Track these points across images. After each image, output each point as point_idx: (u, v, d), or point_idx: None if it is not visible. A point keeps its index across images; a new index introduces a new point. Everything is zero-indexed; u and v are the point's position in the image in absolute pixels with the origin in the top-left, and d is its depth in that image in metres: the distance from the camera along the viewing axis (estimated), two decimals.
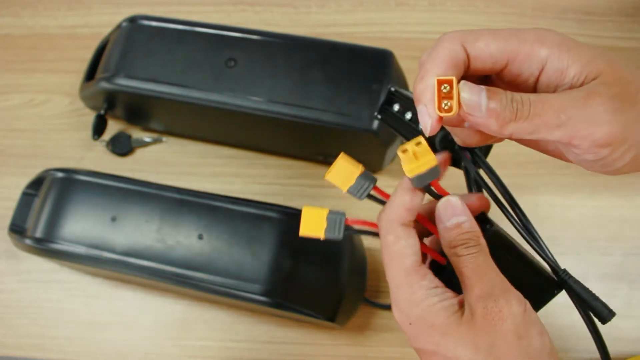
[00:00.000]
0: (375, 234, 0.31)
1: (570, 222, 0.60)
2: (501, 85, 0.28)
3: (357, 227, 0.32)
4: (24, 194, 0.54)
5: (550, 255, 0.33)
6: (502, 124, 0.25)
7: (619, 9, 0.71)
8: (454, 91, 0.26)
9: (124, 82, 0.57)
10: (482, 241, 0.30)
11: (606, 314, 0.33)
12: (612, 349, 0.56)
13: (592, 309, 0.33)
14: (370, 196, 0.32)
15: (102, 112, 0.62)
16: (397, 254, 0.29)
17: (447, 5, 0.72)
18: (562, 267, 0.33)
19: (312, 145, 0.60)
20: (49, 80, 0.69)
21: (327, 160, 0.62)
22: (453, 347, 0.28)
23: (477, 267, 0.29)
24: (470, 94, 0.25)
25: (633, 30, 0.70)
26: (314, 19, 0.72)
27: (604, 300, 0.57)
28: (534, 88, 0.28)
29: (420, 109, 0.27)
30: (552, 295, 0.36)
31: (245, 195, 0.53)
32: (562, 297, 0.59)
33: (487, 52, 0.27)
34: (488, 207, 0.33)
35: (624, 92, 0.25)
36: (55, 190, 0.52)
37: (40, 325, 0.58)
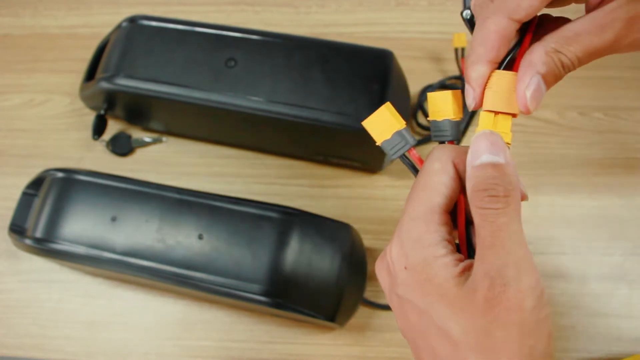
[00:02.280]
0: None
1: (570, 222, 0.60)
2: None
3: (412, 160, 0.29)
4: (24, 193, 0.54)
5: None
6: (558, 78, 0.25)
7: None
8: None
9: (124, 82, 0.57)
10: (516, 199, 0.24)
11: None
12: (612, 349, 0.56)
13: None
14: (404, 158, 0.29)
15: (102, 112, 0.62)
16: (432, 186, 0.26)
17: (447, 5, 0.72)
18: None
19: (312, 145, 0.60)
20: (49, 80, 0.69)
21: (327, 160, 0.62)
22: (445, 317, 0.24)
23: (498, 229, 0.23)
24: (527, 93, 0.25)
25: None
26: (314, 19, 0.72)
27: (603, 301, 0.58)
28: None
29: (468, 89, 0.27)
30: None
31: (245, 195, 0.53)
32: (562, 297, 0.59)
33: (533, 8, 0.25)
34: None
35: None
36: (55, 190, 0.52)
37: (40, 325, 0.58)
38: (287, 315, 0.52)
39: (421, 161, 0.29)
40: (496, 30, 0.25)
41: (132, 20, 0.59)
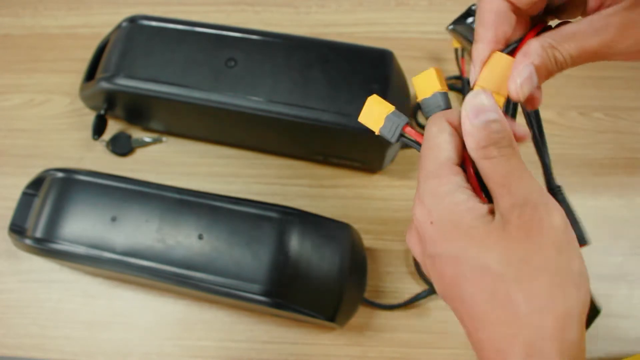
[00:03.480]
0: None
1: None
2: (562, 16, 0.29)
3: (410, 136, 0.30)
4: (24, 193, 0.54)
5: (550, 169, 0.33)
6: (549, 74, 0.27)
7: None
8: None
9: (124, 82, 0.57)
10: (515, 144, 0.26)
11: (581, 240, 0.31)
12: (612, 348, 0.56)
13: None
14: (403, 137, 0.30)
15: (102, 112, 0.62)
16: (436, 146, 0.27)
17: (447, 5, 0.72)
18: (558, 184, 0.32)
19: (312, 145, 0.60)
20: (49, 80, 0.69)
21: (327, 160, 0.62)
22: (481, 255, 0.24)
23: (512, 170, 0.25)
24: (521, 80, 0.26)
25: None
26: (314, 19, 0.72)
27: (603, 301, 0.58)
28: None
29: (472, 69, 0.29)
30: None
31: (245, 195, 0.53)
32: None
33: None
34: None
35: None
36: (55, 190, 0.52)
37: (40, 325, 0.58)
38: (287, 315, 0.52)
39: (420, 135, 0.30)
40: (490, 9, 0.27)
41: (132, 20, 0.59)
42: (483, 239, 0.24)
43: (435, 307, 0.57)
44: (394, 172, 0.63)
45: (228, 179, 0.63)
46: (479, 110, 0.26)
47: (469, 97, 0.27)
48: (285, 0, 0.73)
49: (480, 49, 0.28)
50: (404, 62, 0.59)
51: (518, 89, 0.26)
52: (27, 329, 0.58)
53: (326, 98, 0.54)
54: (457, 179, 0.26)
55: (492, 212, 0.25)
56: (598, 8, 0.27)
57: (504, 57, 0.28)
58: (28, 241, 0.51)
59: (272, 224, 0.49)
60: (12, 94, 0.68)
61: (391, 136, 0.30)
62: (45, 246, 0.50)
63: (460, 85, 0.66)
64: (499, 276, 0.23)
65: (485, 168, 0.26)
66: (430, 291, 0.56)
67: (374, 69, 0.55)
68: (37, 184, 0.54)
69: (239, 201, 0.50)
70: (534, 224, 0.24)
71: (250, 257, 0.48)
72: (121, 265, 0.49)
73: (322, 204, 0.62)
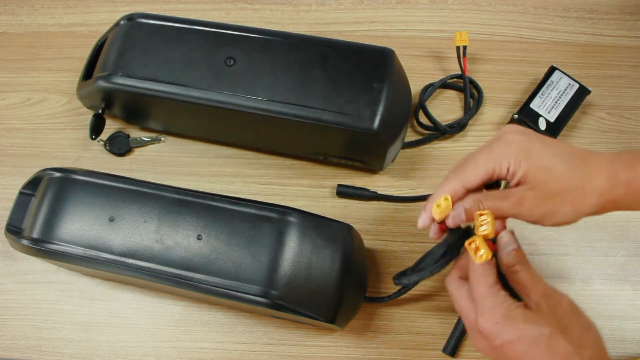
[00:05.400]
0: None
1: None
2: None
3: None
4: (21, 193, 0.53)
5: None
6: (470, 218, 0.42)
7: (622, 7, 0.71)
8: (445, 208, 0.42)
9: (121, 80, 0.56)
10: (527, 259, 0.41)
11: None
12: (615, 350, 0.55)
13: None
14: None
15: (100, 111, 0.61)
16: (482, 274, 0.40)
17: (448, 3, 0.71)
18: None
19: (312, 145, 0.59)
20: (46, 79, 0.69)
21: (327, 160, 0.62)
22: (533, 330, 0.37)
23: (533, 276, 0.39)
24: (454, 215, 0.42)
25: (635, 29, 0.70)
26: (314, 17, 0.71)
27: (607, 302, 0.57)
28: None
29: (421, 214, 0.44)
30: None
31: (244, 195, 0.53)
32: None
33: (477, 181, 0.42)
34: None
35: (542, 195, 0.41)
36: (52, 190, 0.51)
37: (36, 326, 0.57)
38: (287, 317, 0.51)
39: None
40: (452, 187, 0.42)
41: (130, 18, 0.59)
42: (532, 320, 0.38)
43: (436, 309, 0.57)
44: (394, 172, 0.63)
45: (227, 179, 0.63)
46: (506, 243, 0.41)
47: (500, 236, 0.42)
48: None
49: (430, 205, 0.43)
50: (405, 61, 0.58)
51: (450, 218, 0.42)
52: (24, 331, 0.57)
53: (326, 97, 0.53)
54: (503, 292, 0.39)
55: (525, 305, 0.39)
56: (516, 185, 0.41)
57: (449, 202, 0.42)
58: (25, 242, 0.50)
59: (272, 224, 0.49)
60: (9, 93, 0.68)
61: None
62: (42, 247, 0.50)
63: (462, 84, 0.66)
64: (549, 336, 0.37)
65: (515, 277, 0.40)
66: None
67: (375, 68, 0.54)
68: (34, 183, 0.53)
69: (239, 201, 0.50)
70: (556, 304, 0.38)
71: (249, 258, 0.48)
72: (119, 266, 0.49)
73: (322, 204, 0.61)
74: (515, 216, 0.41)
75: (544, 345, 0.37)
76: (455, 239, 0.43)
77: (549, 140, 0.42)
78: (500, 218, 0.42)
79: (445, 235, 0.44)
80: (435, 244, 0.45)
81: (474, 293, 0.40)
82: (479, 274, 0.40)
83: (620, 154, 0.42)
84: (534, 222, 0.42)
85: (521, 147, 0.41)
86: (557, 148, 0.41)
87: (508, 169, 0.41)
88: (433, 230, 0.44)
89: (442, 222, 0.43)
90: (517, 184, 0.41)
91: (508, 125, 0.48)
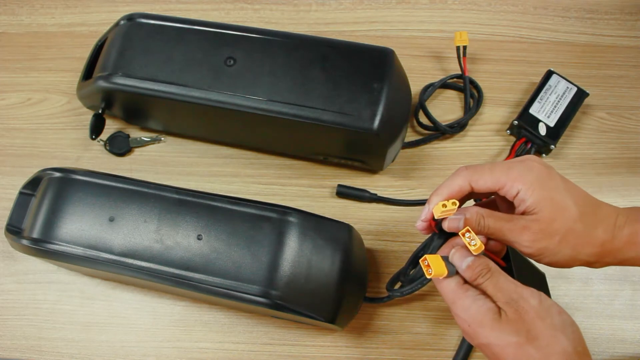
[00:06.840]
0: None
1: None
2: (498, 197, 0.45)
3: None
4: (21, 193, 0.53)
5: None
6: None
7: (622, 7, 0.71)
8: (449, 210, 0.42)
9: (121, 80, 0.56)
10: (492, 265, 0.40)
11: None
12: (615, 350, 0.55)
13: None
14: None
15: (100, 111, 0.61)
16: (444, 285, 0.41)
17: (448, 3, 0.71)
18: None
19: (312, 145, 0.59)
20: (46, 79, 0.68)
21: (327, 160, 0.61)
22: (501, 338, 0.38)
23: (495, 285, 0.39)
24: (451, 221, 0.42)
25: (635, 29, 0.70)
26: (314, 17, 0.71)
27: (607, 302, 0.57)
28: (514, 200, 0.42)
29: (424, 207, 0.44)
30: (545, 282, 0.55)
31: (244, 195, 0.53)
32: (565, 298, 0.58)
33: (485, 187, 0.42)
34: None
35: (546, 230, 0.40)
36: (52, 190, 0.51)
37: (36, 326, 0.57)
38: (287, 317, 0.51)
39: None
40: (457, 183, 0.42)
41: (130, 18, 0.59)
42: (499, 328, 0.38)
43: (435, 309, 0.57)
44: (394, 172, 0.63)
45: (227, 179, 0.63)
46: (459, 260, 0.41)
47: (450, 256, 0.41)
48: None
49: (434, 200, 0.43)
50: (405, 61, 0.58)
51: (447, 223, 0.42)
52: (24, 331, 0.57)
53: (326, 97, 0.53)
54: (470, 293, 0.40)
55: (499, 307, 0.39)
56: (521, 213, 0.41)
57: (451, 206, 0.41)
58: (25, 242, 0.50)
59: (272, 224, 0.49)
60: (9, 93, 0.68)
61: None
62: (42, 247, 0.50)
63: (462, 84, 0.66)
64: (516, 345, 0.37)
65: (481, 288, 0.40)
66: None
67: (375, 68, 0.54)
68: (34, 183, 0.53)
69: (238, 201, 0.50)
70: (521, 311, 0.38)
71: (249, 258, 0.48)
72: (119, 266, 0.48)
73: (322, 204, 0.61)
74: (512, 243, 0.41)
75: (512, 355, 0.38)
76: (441, 244, 0.44)
77: (567, 181, 0.42)
78: (497, 241, 0.42)
79: (434, 238, 0.45)
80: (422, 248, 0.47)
81: (444, 299, 0.42)
82: (440, 284, 0.41)
83: (630, 208, 0.43)
84: (529, 256, 0.41)
85: (540, 176, 0.41)
86: (573, 190, 0.41)
87: (518, 193, 0.41)
88: (422, 225, 0.44)
89: (436, 221, 0.43)
90: (522, 213, 0.41)
91: (533, 155, 0.48)
